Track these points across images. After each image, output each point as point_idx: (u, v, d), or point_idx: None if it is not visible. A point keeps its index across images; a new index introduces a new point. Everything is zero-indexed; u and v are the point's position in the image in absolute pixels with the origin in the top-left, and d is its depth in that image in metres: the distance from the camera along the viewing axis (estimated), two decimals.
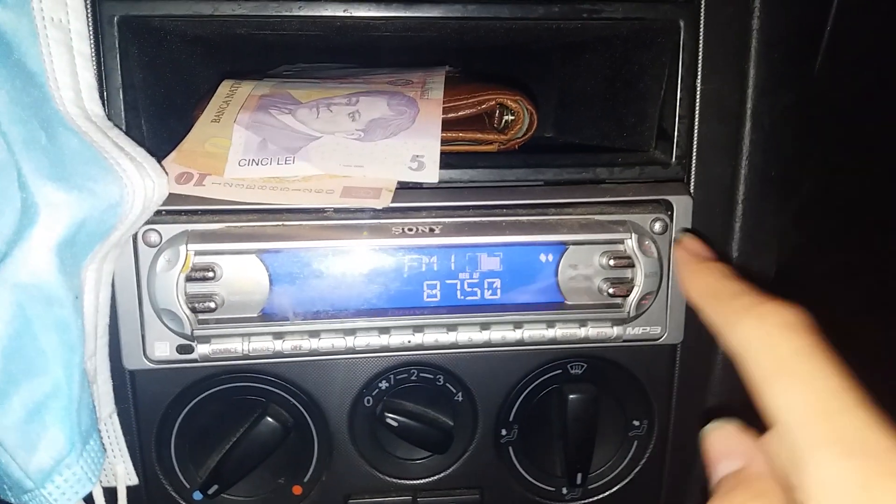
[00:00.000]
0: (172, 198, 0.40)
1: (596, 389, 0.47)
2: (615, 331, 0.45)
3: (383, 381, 0.47)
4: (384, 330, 0.44)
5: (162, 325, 0.42)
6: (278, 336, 0.43)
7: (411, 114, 0.45)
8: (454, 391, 0.48)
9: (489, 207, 0.44)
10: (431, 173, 0.42)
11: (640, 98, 0.48)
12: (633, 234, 0.44)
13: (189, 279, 0.41)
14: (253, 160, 0.42)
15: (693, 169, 0.46)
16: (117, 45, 0.41)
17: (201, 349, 0.43)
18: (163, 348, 0.43)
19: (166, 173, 0.40)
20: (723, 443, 0.29)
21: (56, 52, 0.37)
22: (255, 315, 0.42)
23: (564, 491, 0.51)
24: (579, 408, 0.47)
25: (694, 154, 0.45)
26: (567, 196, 0.45)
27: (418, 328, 0.44)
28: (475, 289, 0.44)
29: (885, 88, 0.54)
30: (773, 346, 0.25)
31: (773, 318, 0.26)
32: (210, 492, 0.46)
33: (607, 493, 0.52)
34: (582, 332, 0.45)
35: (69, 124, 0.37)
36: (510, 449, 0.50)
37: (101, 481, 0.40)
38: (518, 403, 0.49)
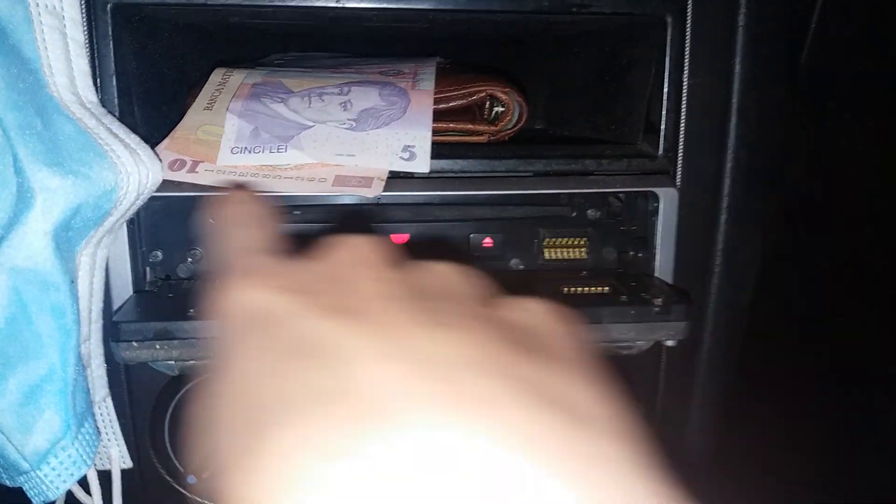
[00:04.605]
0: (166, 184, 0.41)
1: None
2: None
3: None
4: None
5: None
6: None
7: (402, 104, 0.45)
8: None
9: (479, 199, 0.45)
10: (423, 163, 0.42)
11: (628, 92, 0.49)
12: None
13: None
14: (245, 148, 0.43)
15: (679, 162, 0.46)
16: (111, 33, 0.41)
17: None
18: None
19: (160, 160, 0.41)
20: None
21: (50, 38, 0.37)
22: None
23: None
24: None
25: (680, 147, 0.46)
26: (556, 187, 0.45)
27: None
28: None
29: (869, 83, 0.55)
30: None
31: None
32: (204, 475, 0.47)
33: None
34: None
35: (64, 110, 0.37)
36: None
37: (95, 464, 0.41)
38: None
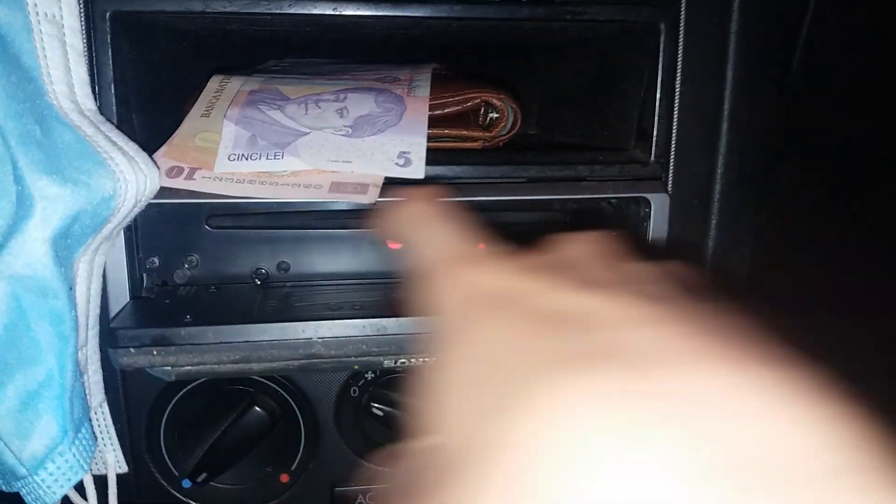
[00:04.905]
0: (163, 191, 0.41)
1: None
2: None
3: (369, 372, 0.49)
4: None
5: None
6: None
7: (398, 111, 0.46)
8: None
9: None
10: (418, 170, 0.43)
11: (621, 98, 0.49)
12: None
13: None
14: (242, 155, 0.43)
15: (671, 168, 0.47)
16: (109, 41, 0.42)
17: None
18: None
19: (157, 167, 0.41)
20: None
21: (49, 47, 0.37)
22: None
23: None
24: None
25: (672, 153, 0.47)
26: (549, 192, 0.46)
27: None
28: None
29: (859, 88, 0.56)
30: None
31: None
32: (199, 479, 0.47)
33: None
34: None
35: (63, 119, 0.37)
36: None
37: (91, 470, 0.41)
38: None
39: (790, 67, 0.51)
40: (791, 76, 0.51)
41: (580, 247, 0.24)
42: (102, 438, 0.45)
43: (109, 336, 0.39)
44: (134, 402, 0.47)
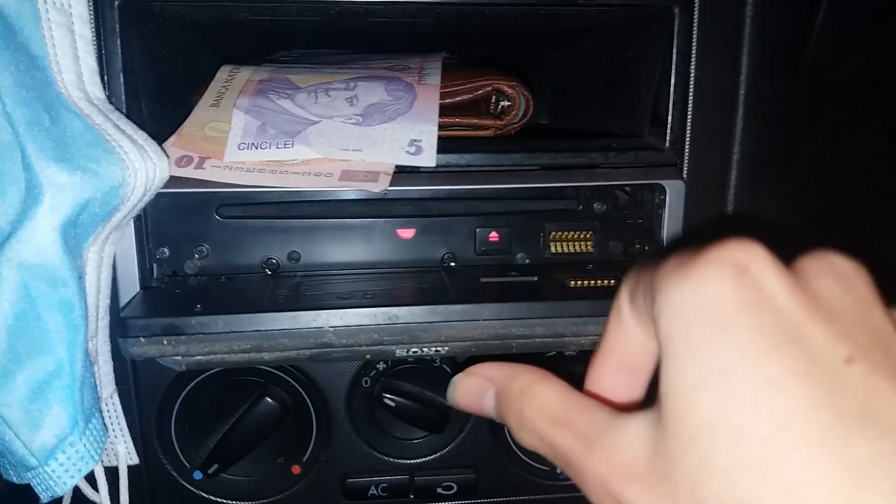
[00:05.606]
0: (173, 181, 0.41)
1: None
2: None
3: (381, 363, 0.48)
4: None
5: None
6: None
7: (409, 99, 0.45)
8: (451, 372, 0.49)
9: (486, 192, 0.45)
10: (429, 158, 0.42)
11: (634, 84, 0.49)
12: None
13: None
14: (252, 144, 0.43)
15: (686, 154, 0.46)
16: (118, 30, 0.41)
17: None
18: None
19: (167, 156, 0.41)
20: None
21: (58, 35, 0.37)
22: None
23: (558, 470, 0.52)
24: (573, 388, 0.47)
25: (687, 139, 0.46)
26: (562, 180, 0.45)
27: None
28: None
29: (876, 74, 0.55)
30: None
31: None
32: (210, 471, 0.47)
33: None
34: None
35: (72, 107, 0.37)
36: (505, 429, 0.51)
37: (102, 461, 0.41)
38: None
39: (806, 51, 0.50)
40: (807, 61, 0.50)
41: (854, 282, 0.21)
42: (113, 430, 0.44)
43: (119, 325, 0.38)
44: (145, 393, 0.46)
